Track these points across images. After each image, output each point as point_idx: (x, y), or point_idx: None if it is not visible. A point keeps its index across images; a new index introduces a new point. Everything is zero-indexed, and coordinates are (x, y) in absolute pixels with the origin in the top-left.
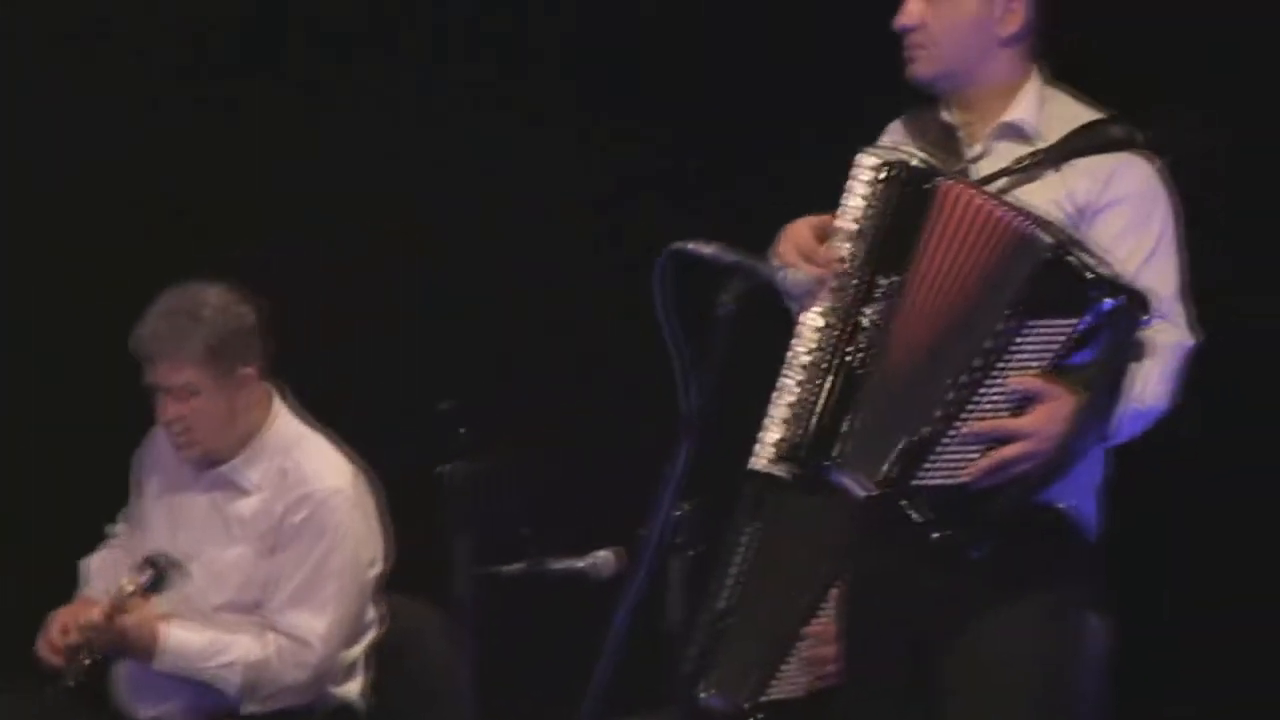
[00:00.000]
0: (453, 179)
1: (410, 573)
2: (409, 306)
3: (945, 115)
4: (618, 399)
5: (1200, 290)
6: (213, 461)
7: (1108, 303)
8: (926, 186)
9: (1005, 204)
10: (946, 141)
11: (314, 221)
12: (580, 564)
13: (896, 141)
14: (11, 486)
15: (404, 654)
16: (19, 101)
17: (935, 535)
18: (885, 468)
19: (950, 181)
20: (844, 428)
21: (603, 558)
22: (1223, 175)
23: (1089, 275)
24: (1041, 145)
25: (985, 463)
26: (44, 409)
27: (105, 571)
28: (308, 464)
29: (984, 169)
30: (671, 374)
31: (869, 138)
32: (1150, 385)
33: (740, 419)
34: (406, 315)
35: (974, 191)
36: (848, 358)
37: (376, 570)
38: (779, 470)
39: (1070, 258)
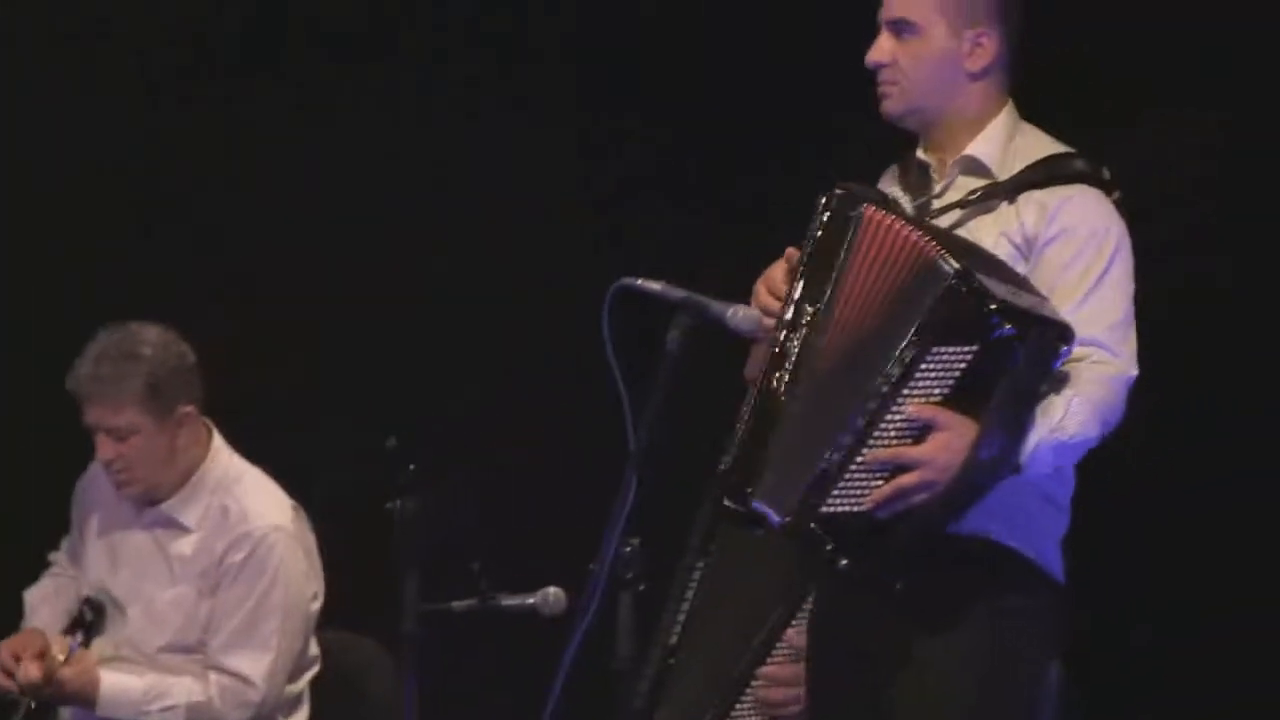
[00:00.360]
0: (401, 223)
1: (359, 609)
2: (359, 342)
3: (919, 152)
4: (566, 434)
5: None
6: (152, 500)
7: (1007, 330)
8: (851, 214)
9: (922, 230)
10: (920, 178)
11: (263, 258)
12: (530, 600)
13: (886, 185)
14: None
15: (351, 691)
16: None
17: (843, 563)
18: (796, 498)
19: (873, 208)
20: (765, 457)
21: (552, 594)
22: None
23: (989, 305)
24: (1000, 179)
25: (883, 491)
26: None
27: (49, 601)
28: (248, 501)
29: (948, 202)
30: (620, 409)
31: (868, 148)
32: (1073, 416)
33: (688, 454)
34: (355, 351)
35: (894, 218)
36: (773, 385)
37: (317, 605)
38: (733, 506)
39: (972, 286)
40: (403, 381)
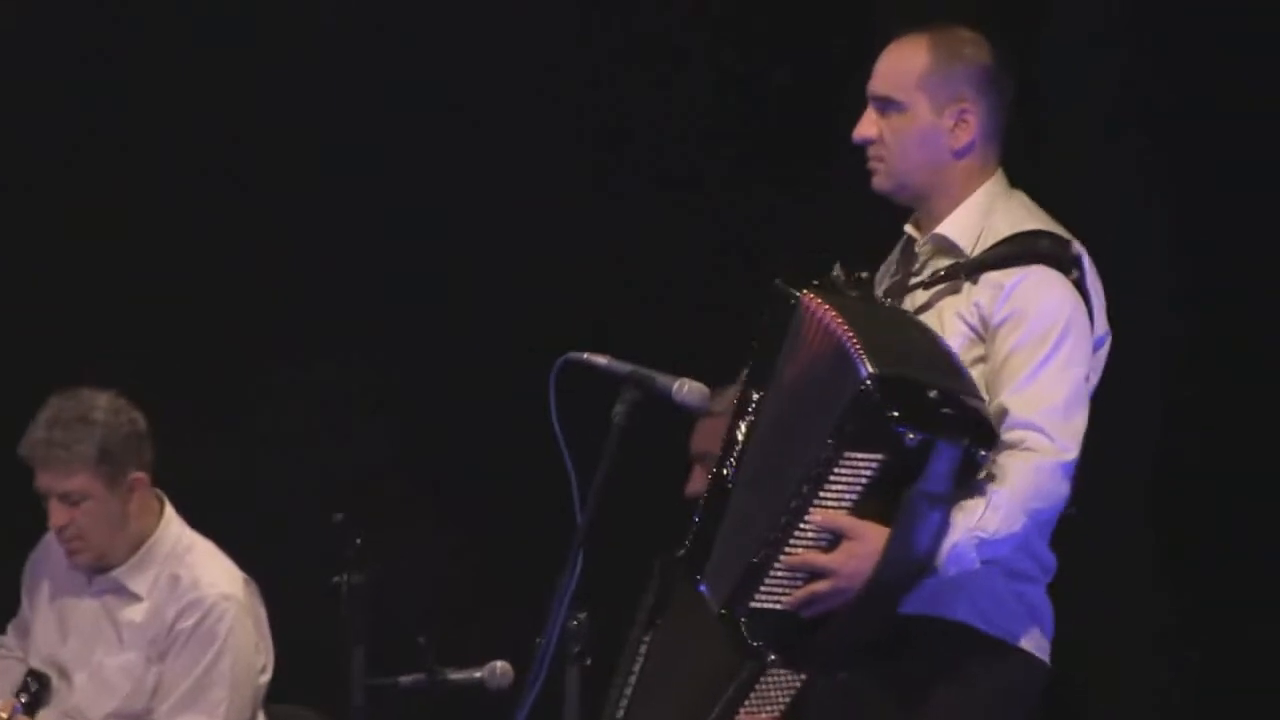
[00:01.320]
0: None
1: (306, 683)
2: (305, 417)
3: (908, 227)
4: (512, 507)
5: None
6: (103, 567)
7: (912, 440)
8: (791, 301)
9: (854, 322)
10: (906, 255)
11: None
12: (477, 674)
13: (892, 255)
14: None
15: None
16: None
17: (771, 658)
18: (728, 589)
19: (810, 295)
20: (712, 541)
21: (499, 667)
22: None
23: (892, 413)
24: (969, 257)
25: (798, 596)
26: None
27: None
28: (199, 570)
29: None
30: (565, 482)
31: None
32: (993, 511)
33: (634, 528)
34: (302, 426)
35: (827, 307)
36: (723, 470)
37: (266, 678)
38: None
39: (881, 393)
40: (349, 456)
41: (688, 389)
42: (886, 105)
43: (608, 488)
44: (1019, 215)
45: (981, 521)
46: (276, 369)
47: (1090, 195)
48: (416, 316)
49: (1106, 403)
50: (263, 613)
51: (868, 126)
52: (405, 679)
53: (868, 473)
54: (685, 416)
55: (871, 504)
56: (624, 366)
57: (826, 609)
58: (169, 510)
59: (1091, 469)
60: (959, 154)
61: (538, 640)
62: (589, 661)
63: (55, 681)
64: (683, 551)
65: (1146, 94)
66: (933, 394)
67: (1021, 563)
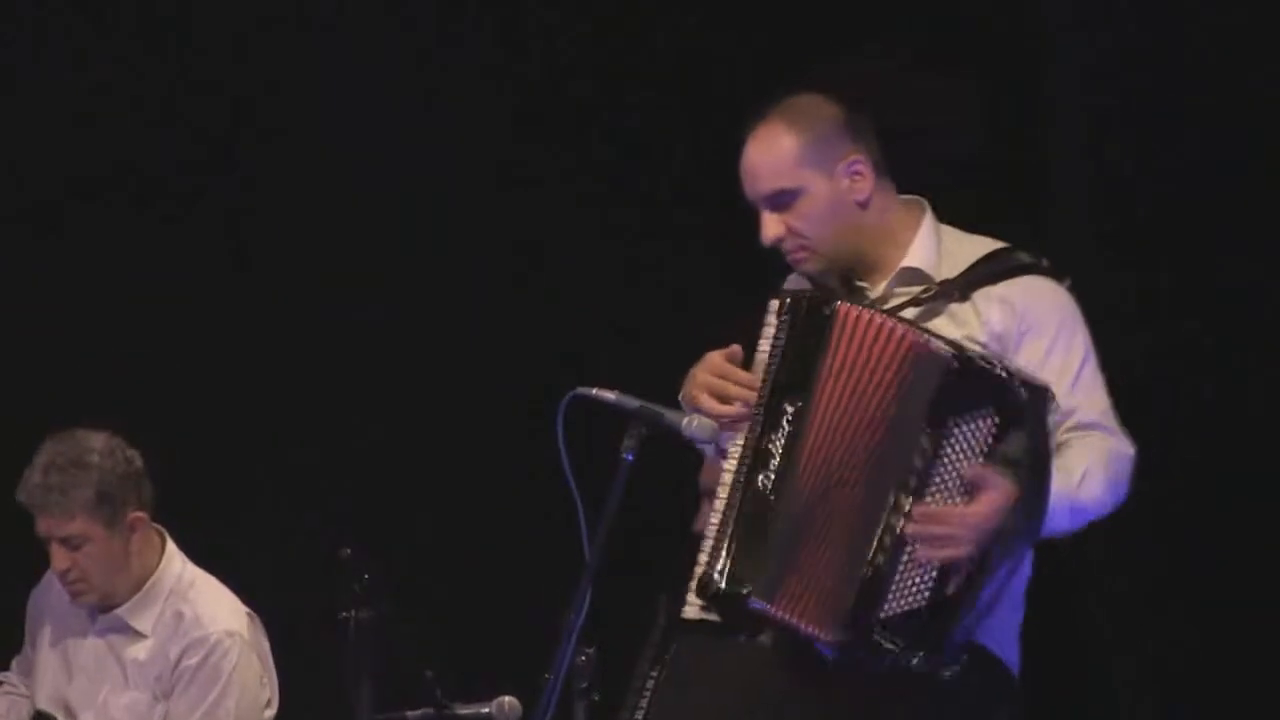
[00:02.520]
0: (355, 330)
1: (314, 719)
2: (312, 452)
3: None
4: (520, 543)
5: None
6: (107, 606)
7: (1022, 391)
8: (826, 311)
9: (899, 320)
10: (850, 289)
11: (213, 365)
12: (485, 709)
13: (790, 286)
14: None
15: None
16: None
17: (914, 662)
18: (845, 610)
19: (848, 305)
20: (764, 559)
21: (507, 703)
22: None
23: (1000, 372)
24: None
25: (937, 553)
26: None
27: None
28: (202, 607)
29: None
30: (573, 517)
31: None
32: (1090, 482)
33: (643, 563)
34: (309, 461)
35: (872, 312)
36: (758, 486)
37: (271, 714)
38: (709, 615)
39: (974, 360)
40: (357, 491)
41: (696, 424)
42: (781, 198)
43: (616, 523)
44: (969, 238)
45: (1079, 489)
46: (284, 403)
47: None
48: (425, 352)
49: None
50: (267, 647)
51: (773, 227)
52: (413, 714)
53: (986, 432)
54: (694, 452)
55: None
56: (632, 401)
57: (964, 576)
58: (170, 546)
59: None
60: (865, 204)
61: (546, 675)
62: (597, 697)
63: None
64: (710, 571)
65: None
66: (998, 362)
67: (1019, 584)
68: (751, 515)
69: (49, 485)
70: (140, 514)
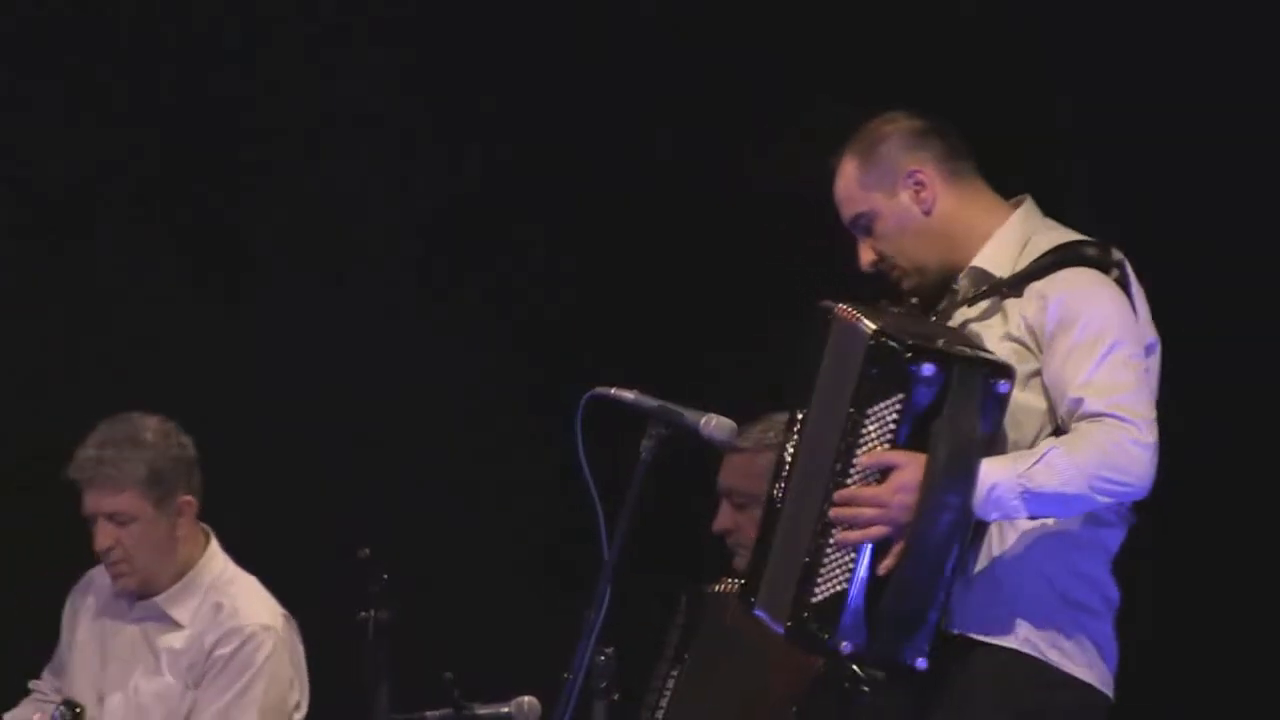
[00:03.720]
0: (365, 326)
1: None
2: (332, 452)
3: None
4: (539, 543)
5: None
6: (147, 593)
7: (926, 369)
8: (827, 317)
9: (871, 316)
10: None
11: (238, 362)
12: (504, 709)
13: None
14: None
15: None
16: None
17: (842, 645)
18: (789, 600)
19: (843, 306)
20: (766, 566)
21: (527, 702)
22: None
23: (903, 349)
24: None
25: (851, 535)
26: None
27: None
28: (241, 600)
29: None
30: (592, 517)
31: None
32: (1049, 468)
33: (662, 563)
34: (329, 460)
35: (857, 313)
36: (774, 494)
37: (300, 716)
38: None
39: (887, 335)
40: (376, 491)
41: (715, 424)
42: (859, 221)
43: (635, 523)
44: (1055, 235)
45: (1030, 472)
46: (301, 402)
47: None
48: (444, 350)
49: None
50: (301, 651)
51: (865, 253)
52: (432, 715)
53: (894, 416)
54: (712, 451)
55: (908, 448)
56: (651, 401)
57: (889, 559)
58: (214, 543)
59: None
60: (929, 211)
61: (565, 675)
62: (616, 696)
63: (91, 710)
64: (742, 579)
65: None
66: (941, 341)
67: (1081, 592)
68: (768, 524)
69: (102, 459)
70: (189, 498)
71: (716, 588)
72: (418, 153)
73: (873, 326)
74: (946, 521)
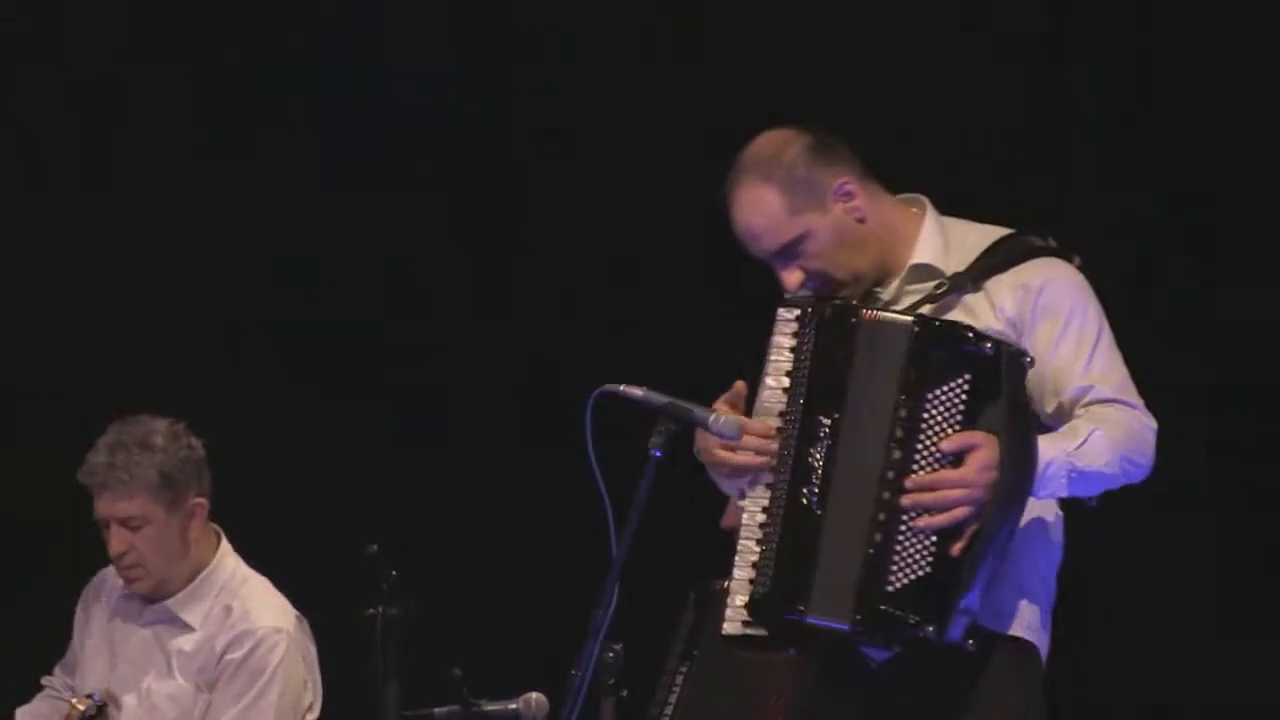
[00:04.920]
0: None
1: (341, 716)
2: (339, 449)
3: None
4: (547, 540)
5: None
6: (159, 596)
7: (987, 348)
8: (852, 320)
9: (881, 306)
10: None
11: (249, 364)
12: (512, 705)
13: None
14: None
15: None
16: None
17: (929, 631)
18: (854, 594)
19: (872, 312)
20: (813, 573)
21: (535, 699)
22: None
23: (965, 333)
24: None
25: (939, 518)
26: None
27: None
28: (252, 603)
29: (908, 304)
30: (601, 514)
31: None
32: (1092, 445)
33: (671, 559)
34: (338, 457)
35: (892, 314)
36: (803, 501)
37: (313, 717)
38: (753, 631)
39: (937, 324)
40: (384, 488)
41: (723, 420)
42: (788, 250)
43: (643, 519)
44: (974, 228)
45: (1080, 451)
46: (311, 399)
47: None
48: (452, 348)
49: None
50: (313, 651)
51: (793, 276)
52: (440, 711)
53: (963, 396)
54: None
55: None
56: (660, 398)
57: (968, 532)
58: (225, 544)
59: None
60: (864, 219)
61: (573, 672)
62: (624, 693)
63: (110, 710)
64: (763, 589)
65: None
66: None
67: (1053, 578)
68: (800, 531)
69: (114, 464)
70: (201, 500)
71: (725, 585)
72: None
73: (910, 317)
74: (1014, 500)
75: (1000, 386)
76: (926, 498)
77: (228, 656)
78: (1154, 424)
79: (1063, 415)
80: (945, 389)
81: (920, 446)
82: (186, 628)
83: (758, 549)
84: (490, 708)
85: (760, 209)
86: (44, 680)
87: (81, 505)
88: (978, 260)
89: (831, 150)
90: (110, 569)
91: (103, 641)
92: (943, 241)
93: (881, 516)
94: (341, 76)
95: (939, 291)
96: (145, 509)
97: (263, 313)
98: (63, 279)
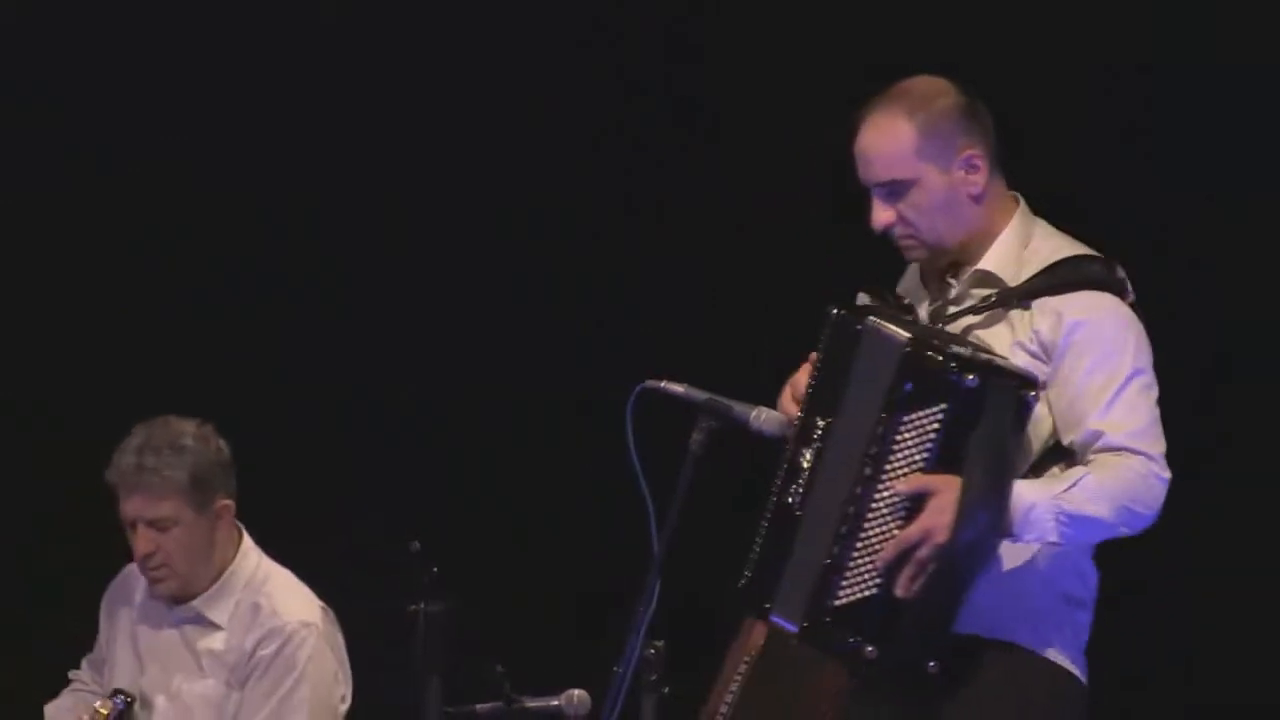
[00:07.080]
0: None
1: (382, 713)
2: (381, 445)
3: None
4: (589, 536)
5: None
6: (184, 596)
7: (970, 380)
8: (858, 327)
9: (904, 325)
10: (933, 288)
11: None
12: (554, 702)
13: (907, 283)
14: None
15: None
16: None
17: (869, 650)
18: (805, 601)
19: (875, 321)
20: (782, 571)
21: (577, 696)
22: None
23: (948, 361)
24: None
25: (886, 553)
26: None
27: (69, 714)
28: (279, 599)
29: (962, 308)
30: (642, 511)
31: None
32: (1081, 490)
33: (712, 556)
34: (378, 455)
35: (892, 326)
36: (787, 500)
37: (345, 707)
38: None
39: (928, 346)
40: (426, 484)
41: (765, 417)
42: (895, 187)
43: (685, 516)
44: (1056, 243)
45: (1067, 495)
46: (354, 394)
47: None
48: (493, 345)
49: None
50: (341, 642)
51: (883, 214)
52: (482, 707)
53: (934, 427)
54: (763, 444)
55: (942, 463)
56: (701, 395)
57: (923, 573)
58: (247, 540)
59: None
60: (979, 198)
61: (615, 669)
62: (666, 690)
63: (138, 709)
64: (744, 582)
65: None
66: (967, 350)
67: (1078, 589)
68: (781, 529)
69: (143, 465)
70: (228, 502)
71: None
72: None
73: (907, 335)
74: (978, 539)
75: (979, 420)
76: (891, 556)
77: (258, 654)
78: (1166, 474)
79: (1075, 456)
80: (920, 415)
81: (889, 468)
82: (214, 626)
83: (756, 541)
84: (532, 704)
85: (891, 136)
86: (71, 674)
87: (104, 503)
88: (1035, 276)
89: (977, 119)
90: (133, 568)
91: (129, 644)
92: (1018, 249)
93: (843, 530)
94: (341, 74)
95: (983, 305)
96: (176, 510)
97: (289, 306)
98: (86, 279)
